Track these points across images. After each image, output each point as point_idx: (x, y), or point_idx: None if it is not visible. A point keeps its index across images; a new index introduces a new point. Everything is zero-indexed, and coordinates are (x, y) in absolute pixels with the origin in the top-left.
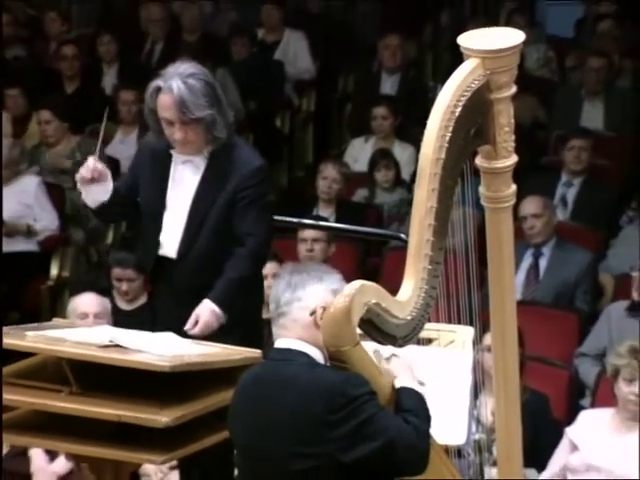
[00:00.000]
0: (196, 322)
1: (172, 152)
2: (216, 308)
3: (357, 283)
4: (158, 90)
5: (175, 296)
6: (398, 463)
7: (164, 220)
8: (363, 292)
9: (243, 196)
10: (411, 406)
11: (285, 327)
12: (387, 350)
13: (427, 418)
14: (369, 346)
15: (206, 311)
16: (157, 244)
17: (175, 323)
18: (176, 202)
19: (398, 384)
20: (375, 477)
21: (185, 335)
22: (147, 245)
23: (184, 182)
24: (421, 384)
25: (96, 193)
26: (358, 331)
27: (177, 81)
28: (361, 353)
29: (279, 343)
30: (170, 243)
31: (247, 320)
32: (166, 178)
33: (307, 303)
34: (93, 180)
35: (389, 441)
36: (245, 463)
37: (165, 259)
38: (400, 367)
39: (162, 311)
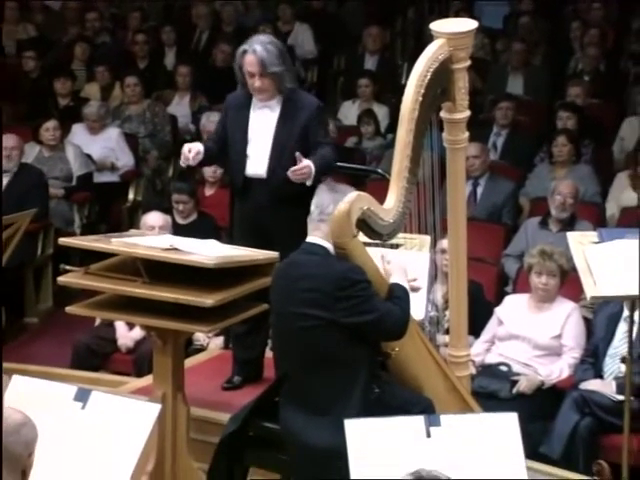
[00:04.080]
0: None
1: (253, 100)
2: (312, 166)
3: (355, 193)
4: (244, 52)
5: (259, 208)
6: (385, 332)
7: (249, 150)
8: (360, 199)
9: (314, 123)
10: (398, 295)
11: (319, 229)
12: (385, 256)
13: (408, 303)
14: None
15: (309, 167)
16: (244, 168)
17: (255, 230)
18: (258, 136)
19: (392, 280)
20: (363, 338)
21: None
22: (236, 170)
23: (263, 121)
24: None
25: (199, 156)
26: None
27: (258, 45)
28: (357, 244)
29: (310, 239)
30: (259, 166)
31: None
32: (247, 120)
33: None
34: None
35: (379, 316)
36: (274, 321)
37: (254, 180)
38: (394, 269)
39: (243, 223)
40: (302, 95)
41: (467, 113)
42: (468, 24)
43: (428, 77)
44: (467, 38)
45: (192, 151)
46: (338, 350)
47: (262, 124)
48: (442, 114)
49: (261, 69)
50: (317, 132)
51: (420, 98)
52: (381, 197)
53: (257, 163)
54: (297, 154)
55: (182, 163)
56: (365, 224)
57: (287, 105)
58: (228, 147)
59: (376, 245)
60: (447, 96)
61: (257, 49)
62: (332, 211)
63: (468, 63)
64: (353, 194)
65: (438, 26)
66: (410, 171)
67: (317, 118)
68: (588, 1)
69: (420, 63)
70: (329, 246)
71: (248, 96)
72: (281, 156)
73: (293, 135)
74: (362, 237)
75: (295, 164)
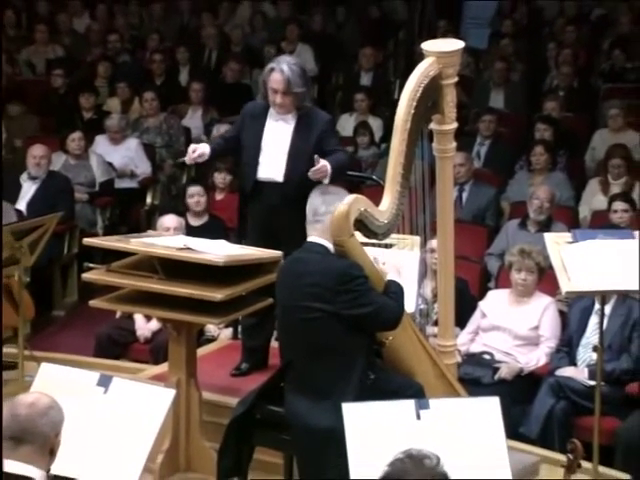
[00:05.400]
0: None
1: (270, 112)
2: (329, 166)
3: (353, 195)
4: (272, 69)
5: (271, 209)
6: (381, 323)
7: (261, 157)
8: (357, 201)
9: (327, 135)
10: (394, 290)
11: (316, 229)
12: (381, 257)
13: (402, 297)
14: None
15: (325, 166)
16: (255, 173)
17: (267, 230)
18: (272, 145)
19: (388, 278)
20: (361, 329)
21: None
22: (247, 174)
23: (279, 132)
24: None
25: (201, 158)
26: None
27: (285, 65)
28: (355, 243)
29: (310, 239)
30: (273, 171)
31: None
32: (262, 129)
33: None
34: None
35: (376, 308)
36: (280, 313)
37: (266, 183)
38: (389, 269)
39: (256, 223)
40: (315, 110)
41: (455, 125)
42: (456, 44)
43: (420, 92)
44: (455, 56)
45: (196, 152)
46: (338, 340)
47: (277, 135)
48: (432, 125)
49: (285, 87)
50: (330, 141)
51: (412, 111)
52: (376, 201)
53: (271, 169)
54: (315, 156)
55: (187, 160)
56: (362, 224)
57: (302, 119)
58: (241, 151)
59: (373, 245)
60: (437, 109)
61: (284, 69)
62: (324, 211)
63: (456, 79)
64: (351, 196)
65: (429, 45)
66: (403, 177)
67: (329, 130)
68: (563, 24)
69: (412, 79)
70: (327, 244)
71: (266, 107)
72: (298, 163)
73: (309, 145)
74: (360, 237)
75: (309, 169)
